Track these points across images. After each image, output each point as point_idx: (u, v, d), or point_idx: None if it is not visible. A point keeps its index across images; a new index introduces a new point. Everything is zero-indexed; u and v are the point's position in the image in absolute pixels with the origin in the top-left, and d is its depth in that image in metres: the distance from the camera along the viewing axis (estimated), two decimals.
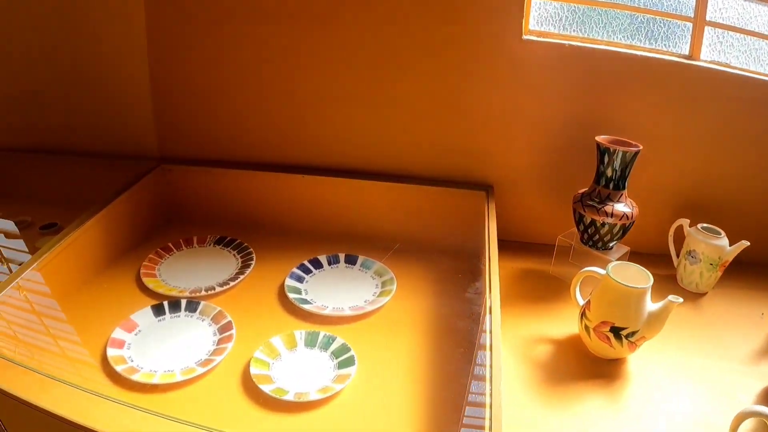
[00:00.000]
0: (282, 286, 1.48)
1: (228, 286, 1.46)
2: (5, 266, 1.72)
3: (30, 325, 1.41)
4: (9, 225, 1.98)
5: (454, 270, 1.57)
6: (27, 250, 1.80)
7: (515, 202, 1.65)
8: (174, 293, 1.44)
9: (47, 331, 1.41)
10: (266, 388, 1.16)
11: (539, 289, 1.54)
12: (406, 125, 1.62)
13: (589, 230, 1.48)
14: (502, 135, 1.59)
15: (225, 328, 1.33)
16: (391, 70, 1.56)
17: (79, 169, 1.96)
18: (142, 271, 1.52)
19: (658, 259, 1.59)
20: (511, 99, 1.54)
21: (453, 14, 1.48)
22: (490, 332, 1.15)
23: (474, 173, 1.63)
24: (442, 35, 1.50)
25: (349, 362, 1.23)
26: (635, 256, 1.51)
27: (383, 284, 1.49)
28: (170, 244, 1.64)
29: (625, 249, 1.53)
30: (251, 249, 1.62)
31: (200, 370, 1.21)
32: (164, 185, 1.77)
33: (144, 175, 1.70)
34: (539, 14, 1.55)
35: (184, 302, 1.40)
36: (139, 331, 1.34)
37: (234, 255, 1.61)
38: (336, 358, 1.26)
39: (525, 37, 1.49)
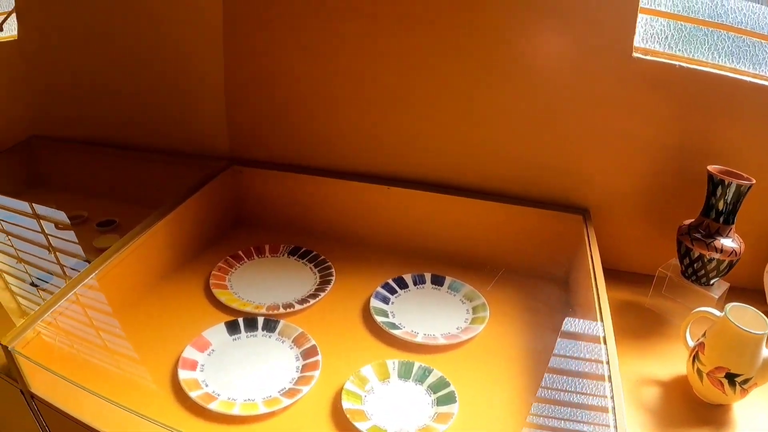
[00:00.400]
0: (365, 307, 1.38)
1: (308, 304, 1.35)
2: (60, 268, 1.61)
3: (91, 339, 1.31)
4: (62, 217, 1.88)
5: (550, 297, 1.47)
6: (81, 248, 1.70)
7: (610, 228, 1.54)
8: (249, 309, 1.34)
9: (109, 347, 1.30)
10: (362, 426, 1.05)
11: (635, 322, 1.43)
12: (498, 138, 1.51)
13: (694, 265, 1.38)
14: (602, 156, 1.48)
15: (309, 353, 1.22)
16: (487, 79, 1.45)
17: (143, 165, 1.86)
18: (212, 281, 1.42)
19: (748, 293, 1.48)
20: (614, 119, 1.44)
21: (559, 25, 1.38)
22: (608, 363, 1.07)
23: (569, 195, 1.52)
24: (547, 47, 1.39)
25: (450, 399, 1.13)
26: None
27: (474, 310, 1.38)
28: (240, 253, 1.54)
29: (726, 285, 1.43)
30: (329, 262, 1.50)
31: (285, 402, 1.10)
32: (234, 187, 1.67)
33: (215, 176, 1.59)
34: (644, 30, 1.45)
35: (261, 320, 1.30)
36: (213, 350, 1.24)
37: (310, 268, 1.50)
38: (434, 393, 1.15)
39: (635, 54, 1.38)
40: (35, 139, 2.14)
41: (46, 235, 1.80)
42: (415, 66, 1.47)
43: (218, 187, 1.60)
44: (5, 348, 1.09)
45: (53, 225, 1.87)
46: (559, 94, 1.44)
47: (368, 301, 1.38)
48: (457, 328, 1.32)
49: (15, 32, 2.01)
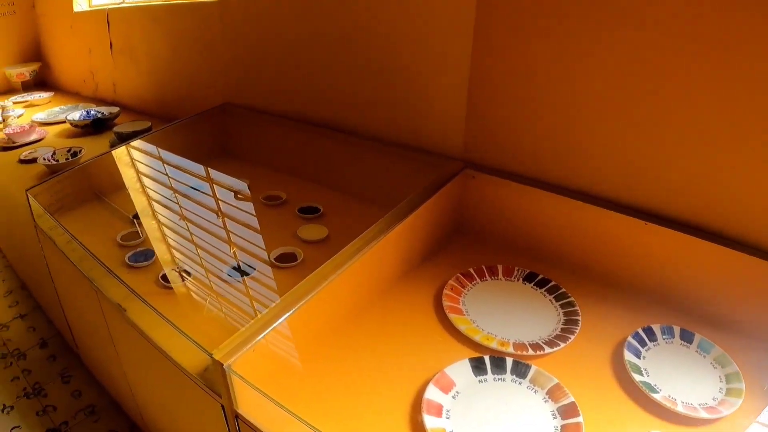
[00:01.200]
0: (615, 358, 1.26)
1: (557, 347, 1.24)
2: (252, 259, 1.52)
3: (309, 362, 1.23)
4: (257, 195, 1.78)
5: None
6: (285, 235, 1.59)
7: None
8: (494, 345, 1.23)
9: (330, 373, 1.22)
10: None
11: None
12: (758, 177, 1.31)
13: None
14: None
15: (568, 412, 1.11)
16: None
17: (354, 151, 1.78)
18: (446, 303, 1.31)
19: None
20: None
21: None
22: None
23: None
24: None
25: None
26: None
27: (728, 378, 1.24)
28: (472, 271, 1.42)
29: None
30: (572, 297, 1.37)
31: None
32: (464, 192, 1.54)
33: (449, 179, 1.48)
34: None
35: (509, 361, 1.18)
36: (457, 393, 1.14)
37: (551, 301, 1.39)
38: None
39: None
40: (229, 107, 2.06)
41: (220, 221, 1.71)
42: (703, 88, 1.27)
43: (449, 192, 1.48)
44: (219, 364, 1.04)
45: (236, 197, 1.77)
46: None
47: (618, 352, 1.26)
48: (714, 399, 1.19)
49: None
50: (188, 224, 1.72)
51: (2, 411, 2.19)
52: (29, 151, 2.56)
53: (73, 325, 2.14)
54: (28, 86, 4.06)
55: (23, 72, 3.95)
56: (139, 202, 1.87)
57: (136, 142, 2.05)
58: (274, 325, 1.11)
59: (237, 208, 1.77)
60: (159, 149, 2.02)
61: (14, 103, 3.57)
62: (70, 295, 1.95)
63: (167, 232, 1.71)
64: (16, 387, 2.31)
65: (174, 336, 1.22)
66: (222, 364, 1.03)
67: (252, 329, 1.10)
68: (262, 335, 1.09)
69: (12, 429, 2.10)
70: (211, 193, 1.85)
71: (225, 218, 1.71)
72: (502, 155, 1.55)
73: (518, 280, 1.44)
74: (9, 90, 4.08)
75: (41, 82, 4.18)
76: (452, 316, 1.29)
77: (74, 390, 2.25)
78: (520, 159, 1.53)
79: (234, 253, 1.56)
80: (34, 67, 4.02)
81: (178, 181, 1.93)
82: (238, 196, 1.81)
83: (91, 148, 2.40)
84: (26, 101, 3.64)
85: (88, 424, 2.08)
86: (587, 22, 1.32)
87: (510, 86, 1.47)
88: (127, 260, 1.58)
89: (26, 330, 2.66)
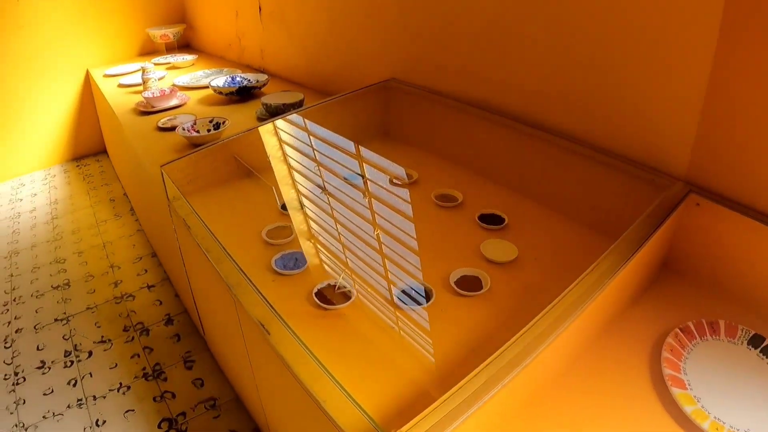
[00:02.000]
0: None
1: None
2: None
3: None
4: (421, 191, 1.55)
5: None
6: (467, 252, 1.36)
7: None
8: None
9: None
10: None
11: None
12: None
13: None
14: None
15: None
16: None
17: (546, 150, 1.52)
18: (666, 370, 1.07)
19: None
20: None
21: None
22: None
23: None
24: None
25: None
26: None
27: None
28: (692, 326, 1.14)
29: None
30: None
31: None
32: (682, 221, 1.28)
33: (676, 206, 1.23)
34: None
35: None
36: None
37: None
38: None
39: None
40: (396, 83, 1.86)
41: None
42: None
43: (671, 221, 1.22)
44: None
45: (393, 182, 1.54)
46: None
47: None
48: None
49: None
50: (347, 224, 1.50)
51: (118, 390, 2.08)
52: (168, 118, 2.45)
53: (202, 310, 1.99)
54: (172, 48, 4.01)
55: (167, 33, 3.88)
56: (289, 191, 1.67)
57: (288, 117, 1.86)
58: (478, 404, 0.86)
59: (402, 198, 1.53)
60: (314, 127, 1.82)
61: (156, 64, 3.49)
62: (202, 288, 1.78)
63: (322, 232, 1.49)
64: (136, 365, 2.20)
65: (329, 383, 1.00)
66: None
67: (446, 409, 0.85)
68: (461, 420, 0.84)
69: (125, 412, 1.98)
70: (375, 187, 1.62)
71: (392, 219, 1.48)
72: (738, 182, 1.23)
73: (742, 343, 1.13)
74: (152, 51, 4.05)
75: (185, 44, 4.13)
76: (675, 392, 1.00)
77: (196, 378, 2.11)
78: (762, 190, 1.21)
79: (392, 270, 1.33)
80: (179, 28, 3.95)
81: (337, 164, 1.72)
82: (400, 184, 1.57)
83: (235, 119, 2.25)
84: (169, 63, 3.56)
85: (206, 420, 1.93)
86: None
87: (760, 98, 1.16)
88: (273, 264, 1.37)
89: (152, 303, 2.56)
